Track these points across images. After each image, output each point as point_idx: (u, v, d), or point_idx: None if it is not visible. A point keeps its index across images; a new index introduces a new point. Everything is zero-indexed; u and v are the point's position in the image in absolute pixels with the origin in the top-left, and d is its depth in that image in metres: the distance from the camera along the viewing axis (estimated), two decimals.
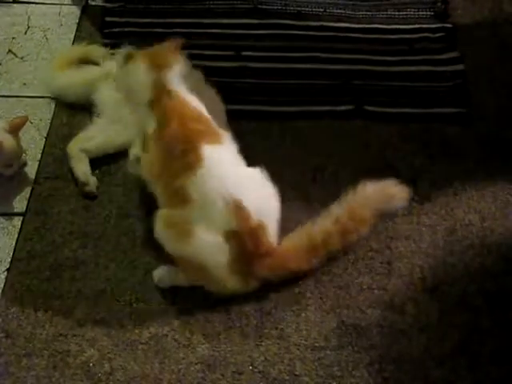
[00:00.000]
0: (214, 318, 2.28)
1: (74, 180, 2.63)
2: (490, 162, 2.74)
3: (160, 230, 2.24)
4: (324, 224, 2.33)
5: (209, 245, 2.18)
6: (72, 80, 2.88)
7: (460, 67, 3.09)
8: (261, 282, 2.28)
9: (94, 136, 2.70)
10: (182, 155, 2.22)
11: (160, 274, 2.34)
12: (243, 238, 2.18)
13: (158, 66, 2.38)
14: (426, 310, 2.31)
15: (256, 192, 2.26)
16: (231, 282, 2.22)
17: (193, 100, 2.37)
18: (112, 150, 2.70)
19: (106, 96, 2.75)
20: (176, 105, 2.32)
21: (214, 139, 2.28)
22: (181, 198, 2.20)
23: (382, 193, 2.39)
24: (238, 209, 2.17)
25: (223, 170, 2.24)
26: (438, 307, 2.31)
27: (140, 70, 2.40)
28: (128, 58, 2.44)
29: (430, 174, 2.70)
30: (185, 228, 2.19)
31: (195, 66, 2.66)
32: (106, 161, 2.70)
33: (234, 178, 2.24)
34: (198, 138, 2.24)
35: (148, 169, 2.34)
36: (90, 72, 2.89)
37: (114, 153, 2.70)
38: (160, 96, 2.33)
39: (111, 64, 2.83)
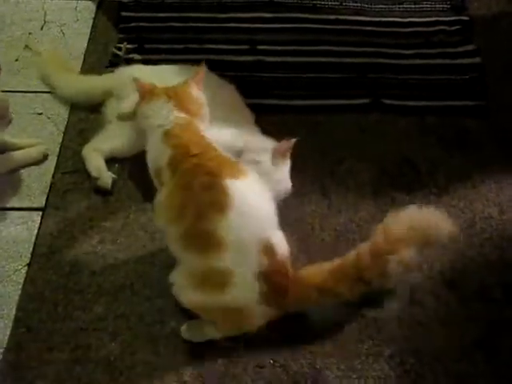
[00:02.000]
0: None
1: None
2: (508, 154, 2.74)
3: (186, 291, 2.11)
4: (358, 248, 2.18)
5: (246, 291, 2.06)
6: (77, 87, 2.90)
7: (477, 60, 3.09)
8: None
9: (108, 139, 2.69)
10: (203, 189, 2.05)
11: (188, 330, 2.20)
12: (273, 276, 2.06)
13: (182, 107, 2.25)
14: (446, 303, 2.30)
15: (280, 235, 2.15)
16: (262, 319, 2.12)
17: (208, 131, 2.25)
18: (128, 153, 2.69)
19: (114, 116, 2.71)
20: (193, 135, 2.19)
21: (236, 169, 2.11)
22: (209, 241, 2.02)
23: (428, 221, 2.19)
24: (270, 248, 2.05)
25: (253, 209, 2.06)
26: (457, 300, 2.30)
27: (162, 108, 2.25)
28: (147, 93, 2.30)
29: (448, 166, 2.70)
30: (219, 279, 2.04)
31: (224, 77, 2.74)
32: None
33: (263, 213, 2.10)
34: (219, 169, 2.08)
35: (165, 212, 2.14)
36: (95, 82, 2.90)
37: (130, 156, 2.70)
38: (179, 130, 2.20)
39: (111, 80, 2.85)
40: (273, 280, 2.06)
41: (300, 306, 2.18)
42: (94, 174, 2.59)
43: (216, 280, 2.04)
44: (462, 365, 2.15)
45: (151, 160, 2.25)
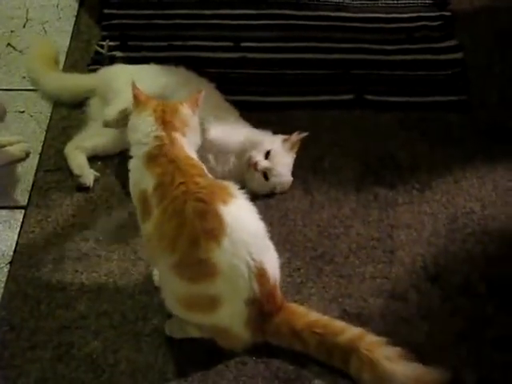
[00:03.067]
0: None
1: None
2: (490, 149, 2.74)
3: (178, 312, 2.11)
4: (345, 329, 2.09)
5: (234, 314, 2.04)
6: (61, 84, 2.89)
7: (459, 55, 3.10)
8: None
9: (91, 137, 2.69)
10: (197, 216, 1.98)
11: (171, 326, 2.20)
12: (262, 300, 2.04)
13: (166, 123, 2.15)
14: (429, 297, 2.31)
15: (270, 248, 2.13)
16: (246, 339, 2.11)
17: (191, 151, 2.17)
18: (110, 152, 2.70)
19: (98, 114, 2.71)
20: (175, 159, 2.08)
21: (226, 193, 2.04)
22: (203, 269, 1.98)
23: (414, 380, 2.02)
24: (262, 274, 2.02)
25: (246, 235, 2.00)
26: (440, 295, 2.31)
27: (146, 122, 2.17)
28: (139, 104, 2.21)
29: (430, 162, 2.70)
30: (209, 303, 2.02)
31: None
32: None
33: (256, 238, 2.05)
34: (210, 194, 2.01)
35: (156, 242, 2.05)
36: (79, 81, 2.90)
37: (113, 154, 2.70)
38: (161, 152, 2.10)
39: (94, 79, 2.85)
40: (262, 305, 2.05)
41: (276, 339, 2.13)
42: (75, 171, 2.59)
43: (205, 304, 2.03)
44: (446, 358, 2.14)
45: (134, 181, 2.16)
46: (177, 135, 2.13)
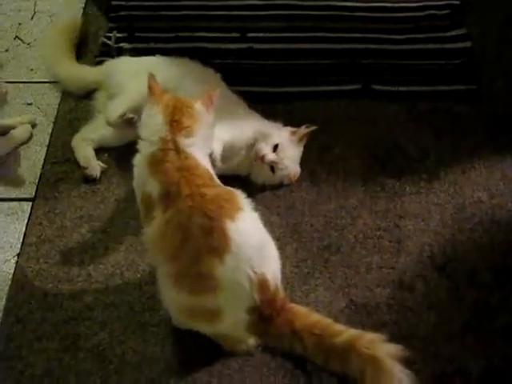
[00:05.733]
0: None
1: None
2: (498, 139, 2.73)
3: (177, 320, 2.13)
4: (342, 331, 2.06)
5: (235, 323, 2.06)
6: (73, 74, 2.89)
7: (467, 44, 3.08)
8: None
9: (98, 129, 2.69)
10: (203, 233, 1.96)
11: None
12: (263, 307, 2.04)
13: (174, 123, 2.10)
14: (436, 287, 2.31)
15: (273, 256, 2.12)
16: (249, 343, 2.13)
17: (203, 160, 2.12)
18: (117, 143, 2.70)
19: (104, 107, 2.69)
20: (187, 168, 2.05)
21: (233, 206, 2.01)
22: (203, 283, 1.97)
23: None
24: (262, 284, 2.01)
25: (250, 250, 1.99)
26: (447, 285, 2.31)
27: (156, 118, 2.13)
28: (153, 97, 2.16)
29: (438, 152, 2.69)
30: (210, 314, 2.02)
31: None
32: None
33: (259, 253, 2.02)
34: (218, 210, 1.98)
35: (158, 250, 2.05)
36: (85, 73, 2.90)
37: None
38: (166, 157, 2.06)
39: (100, 73, 2.85)
40: (262, 311, 2.05)
41: (277, 340, 2.12)
42: (82, 163, 2.60)
43: (205, 315, 2.04)
44: (453, 349, 2.15)
45: (138, 180, 2.14)
46: (183, 140, 2.07)
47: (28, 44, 3.11)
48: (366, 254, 2.40)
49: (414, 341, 2.15)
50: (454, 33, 3.13)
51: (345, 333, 2.04)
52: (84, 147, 2.63)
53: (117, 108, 2.53)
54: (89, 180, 2.59)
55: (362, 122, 2.79)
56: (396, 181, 2.60)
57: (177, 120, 2.09)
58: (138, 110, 2.36)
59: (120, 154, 2.67)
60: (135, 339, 2.18)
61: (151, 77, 2.19)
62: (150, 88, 2.17)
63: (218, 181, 2.11)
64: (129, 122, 2.48)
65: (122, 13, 3.25)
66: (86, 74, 2.88)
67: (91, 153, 2.63)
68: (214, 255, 1.95)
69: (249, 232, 2.02)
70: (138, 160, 2.14)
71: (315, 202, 2.54)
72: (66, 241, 2.44)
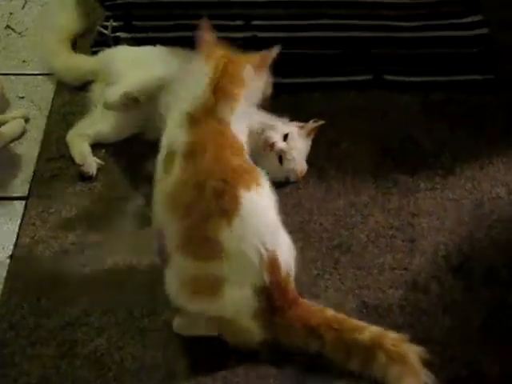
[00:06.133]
0: None
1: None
2: None
3: (182, 299, 2.09)
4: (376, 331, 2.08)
5: (239, 302, 2.05)
6: (69, 64, 2.92)
7: (484, 31, 3.10)
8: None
9: (94, 123, 2.71)
10: (215, 196, 2.00)
11: (179, 323, 2.19)
12: (273, 292, 2.05)
13: (220, 86, 2.13)
14: (451, 288, 2.32)
15: (287, 243, 2.14)
16: (255, 334, 2.10)
17: (239, 130, 2.16)
18: (114, 139, 2.72)
19: (101, 100, 2.69)
20: (218, 131, 2.10)
21: (252, 179, 2.06)
22: (209, 248, 2.00)
23: None
24: (274, 264, 2.03)
25: (261, 224, 2.04)
26: (463, 285, 2.32)
27: (201, 76, 2.17)
28: (204, 51, 2.23)
29: (454, 146, 2.71)
30: (212, 285, 2.02)
31: None
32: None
33: (270, 228, 2.07)
34: (236, 177, 2.03)
35: (169, 204, 2.07)
36: (82, 63, 2.92)
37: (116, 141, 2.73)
38: (202, 117, 2.10)
39: (95, 62, 2.88)
40: (272, 297, 2.06)
41: (288, 336, 2.12)
42: (77, 160, 2.62)
43: (209, 286, 2.03)
44: (470, 352, 2.16)
45: (167, 139, 2.15)
46: (223, 106, 2.12)
47: (19, 34, 3.14)
48: (378, 254, 2.41)
49: (429, 344, 2.14)
50: (470, 19, 3.16)
51: (367, 329, 2.06)
52: (80, 143, 2.65)
53: (118, 90, 2.53)
54: (85, 177, 2.60)
55: (372, 115, 2.82)
56: (409, 176, 2.61)
57: (222, 84, 2.13)
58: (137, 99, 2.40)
59: (117, 150, 2.69)
60: (134, 345, 2.19)
61: (206, 23, 2.27)
62: (202, 40, 2.24)
63: (247, 157, 2.15)
64: (133, 102, 2.50)
65: (119, 0, 3.27)
66: (82, 63, 2.90)
67: (87, 149, 2.64)
68: (223, 217, 1.98)
69: (262, 207, 2.07)
70: (172, 116, 2.17)
71: (324, 199, 2.56)
72: (60, 242, 2.44)
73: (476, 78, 2.94)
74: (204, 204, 2.00)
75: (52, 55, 2.93)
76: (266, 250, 2.01)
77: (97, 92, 2.79)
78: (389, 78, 2.93)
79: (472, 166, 2.65)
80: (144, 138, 2.63)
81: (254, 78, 2.21)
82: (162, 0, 3.27)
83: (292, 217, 2.48)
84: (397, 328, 2.15)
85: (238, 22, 3.16)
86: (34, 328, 2.23)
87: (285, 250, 2.11)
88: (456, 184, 2.60)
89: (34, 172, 2.64)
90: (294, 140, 2.55)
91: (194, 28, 3.00)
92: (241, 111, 2.16)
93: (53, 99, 2.88)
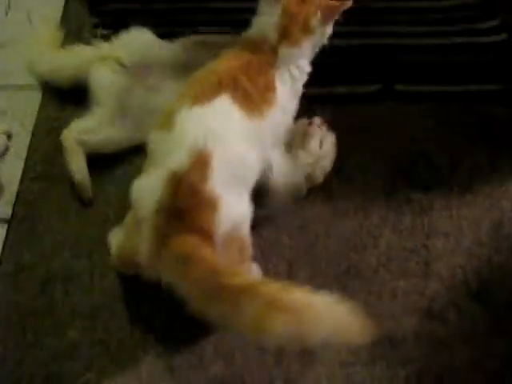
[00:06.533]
0: (228, 334, 2.26)
1: (69, 177, 2.61)
2: None
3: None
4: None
5: (154, 186, 2.03)
6: (61, 63, 2.87)
7: (502, 37, 3.08)
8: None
9: (95, 129, 2.65)
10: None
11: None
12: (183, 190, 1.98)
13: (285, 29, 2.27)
14: (470, 316, 2.31)
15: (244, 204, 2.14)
16: (146, 252, 2.02)
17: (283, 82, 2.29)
18: (114, 148, 2.67)
19: (108, 82, 2.70)
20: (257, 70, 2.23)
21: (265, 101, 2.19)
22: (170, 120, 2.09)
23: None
24: (200, 161, 2.01)
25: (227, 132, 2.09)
26: (483, 313, 2.31)
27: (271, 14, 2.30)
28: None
29: (471, 160, 2.70)
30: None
31: None
32: (101, 156, 2.66)
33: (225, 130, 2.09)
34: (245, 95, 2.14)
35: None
36: (82, 53, 2.86)
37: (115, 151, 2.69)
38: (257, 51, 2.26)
39: (107, 46, 2.83)
40: (180, 197, 1.99)
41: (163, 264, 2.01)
42: (77, 177, 2.58)
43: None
44: None
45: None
46: (284, 48, 2.25)
47: (2, 43, 3.11)
48: (390, 279, 2.40)
49: (447, 379, 2.15)
50: (487, 24, 3.14)
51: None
52: (78, 154, 2.59)
53: None
54: (85, 203, 2.59)
55: (382, 128, 2.80)
56: (423, 194, 2.60)
57: (289, 28, 2.26)
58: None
59: (106, 168, 2.66)
60: (127, 377, 2.18)
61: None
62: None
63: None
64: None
65: (108, 6, 3.26)
66: (85, 52, 2.86)
67: (85, 164, 2.60)
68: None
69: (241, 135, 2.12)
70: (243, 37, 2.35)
71: (331, 220, 2.54)
72: (47, 268, 2.43)
73: (494, 87, 2.93)
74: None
75: (39, 56, 2.91)
76: (204, 146, 2.01)
77: (103, 77, 2.75)
78: (399, 87, 2.92)
79: (490, 182, 2.64)
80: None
81: (320, 27, 2.31)
82: (155, 6, 3.25)
83: (297, 240, 2.47)
84: (410, 360, 2.16)
85: (236, 29, 3.12)
86: (19, 362, 2.22)
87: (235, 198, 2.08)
88: (473, 202, 2.59)
89: (18, 192, 2.62)
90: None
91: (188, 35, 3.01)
92: (296, 56, 2.30)
93: (37, 114, 2.85)
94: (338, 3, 2.29)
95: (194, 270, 1.91)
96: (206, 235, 1.96)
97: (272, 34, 2.25)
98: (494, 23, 3.13)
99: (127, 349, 2.24)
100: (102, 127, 2.64)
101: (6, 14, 3.25)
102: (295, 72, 2.31)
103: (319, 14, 2.26)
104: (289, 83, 2.30)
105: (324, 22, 2.29)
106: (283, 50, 2.25)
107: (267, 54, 2.24)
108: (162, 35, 3.08)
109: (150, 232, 2.00)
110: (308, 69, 2.39)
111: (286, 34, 2.25)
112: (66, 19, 3.17)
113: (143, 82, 2.65)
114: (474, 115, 2.83)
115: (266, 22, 2.28)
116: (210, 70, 2.21)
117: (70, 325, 2.30)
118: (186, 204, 1.97)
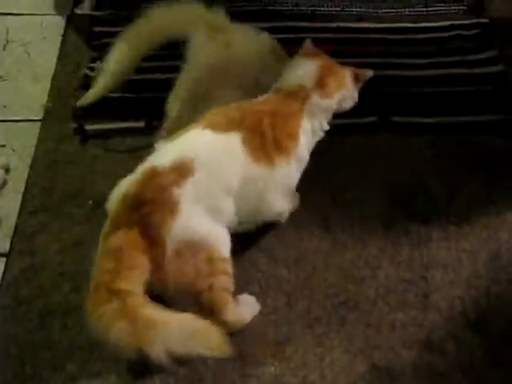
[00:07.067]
0: (227, 365, 2.27)
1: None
2: None
3: None
4: None
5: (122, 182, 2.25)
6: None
7: (499, 68, 3.11)
8: None
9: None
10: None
11: None
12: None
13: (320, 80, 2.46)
14: (469, 347, 2.31)
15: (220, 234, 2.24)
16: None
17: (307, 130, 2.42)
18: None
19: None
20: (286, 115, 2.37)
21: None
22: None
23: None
24: (179, 171, 2.15)
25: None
26: (481, 343, 2.32)
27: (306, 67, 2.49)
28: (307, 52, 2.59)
29: (469, 192, 2.72)
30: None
31: None
32: (100, 189, 2.70)
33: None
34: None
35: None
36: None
37: None
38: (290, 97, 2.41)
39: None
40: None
41: None
42: None
43: None
44: None
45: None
46: (317, 96, 2.43)
47: (0, 77, 3.15)
48: (389, 311, 2.41)
49: None
50: (483, 55, 3.16)
51: None
52: None
53: None
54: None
55: (380, 159, 2.82)
56: (421, 225, 2.62)
57: (323, 80, 2.45)
58: None
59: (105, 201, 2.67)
60: None
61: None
62: (304, 48, 2.60)
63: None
64: None
65: (106, 40, 3.27)
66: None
67: None
68: None
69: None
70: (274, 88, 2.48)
71: (329, 251, 2.55)
72: (45, 302, 2.44)
73: (491, 118, 2.94)
74: None
75: None
76: (191, 161, 2.15)
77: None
78: (396, 119, 2.94)
79: (488, 213, 2.65)
80: None
81: (349, 87, 2.52)
82: None
83: (295, 272, 2.48)
84: None
85: None
86: None
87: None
88: (471, 233, 2.60)
89: (16, 226, 2.64)
90: None
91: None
92: (325, 107, 2.46)
93: (36, 147, 2.87)
94: (364, 71, 2.53)
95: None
96: (155, 233, 2.09)
97: (308, 82, 2.42)
98: (491, 54, 3.15)
99: (126, 382, 2.25)
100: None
101: (4, 48, 3.27)
102: (317, 126, 2.43)
103: (350, 76, 2.52)
104: (310, 136, 2.41)
105: (354, 83, 2.53)
106: (315, 98, 2.41)
107: (299, 102, 2.39)
108: (162, 69, 3.13)
109: (108, 222, 2.16)
110: (327, 127, 2.48)
111: (321, 84, 2.42)
112: (63, 53, 3.20)
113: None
114: (472, 146, 2.85)
115: (303, 72, 2.46)
116: (240, 107, 2.34)
117: (68, 358, 2.30)
118: (148, 196, 2.11)
